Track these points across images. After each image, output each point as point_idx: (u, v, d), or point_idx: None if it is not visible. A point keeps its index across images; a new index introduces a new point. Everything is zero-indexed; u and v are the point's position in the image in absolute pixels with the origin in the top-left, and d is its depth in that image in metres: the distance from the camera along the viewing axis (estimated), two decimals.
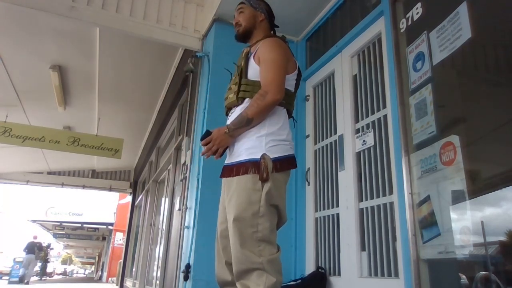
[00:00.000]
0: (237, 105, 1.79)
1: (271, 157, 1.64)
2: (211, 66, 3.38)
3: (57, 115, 6.44)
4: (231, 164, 1.75)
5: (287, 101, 1.79)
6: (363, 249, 2.56)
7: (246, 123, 1.68)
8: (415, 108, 2.15)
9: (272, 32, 2.01)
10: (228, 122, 1.80)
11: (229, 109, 1.86)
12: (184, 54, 4.41)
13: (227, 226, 1.71)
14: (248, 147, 1.68)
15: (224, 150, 1.78)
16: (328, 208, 3.00)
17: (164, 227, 4.93)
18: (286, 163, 1.69)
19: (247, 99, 1.75)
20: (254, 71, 1.78)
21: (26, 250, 12.91)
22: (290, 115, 1.85)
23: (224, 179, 1.80)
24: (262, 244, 1.57)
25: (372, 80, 2.76)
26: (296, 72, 1.85)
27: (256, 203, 1.60)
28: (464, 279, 1.82)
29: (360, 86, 2.88)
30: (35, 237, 13.79)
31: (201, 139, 1.81)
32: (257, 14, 1.95)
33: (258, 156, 1.64)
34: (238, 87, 1.79)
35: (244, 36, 1.95)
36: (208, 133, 1.78)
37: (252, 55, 1.82)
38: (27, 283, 12.64)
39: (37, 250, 13.36)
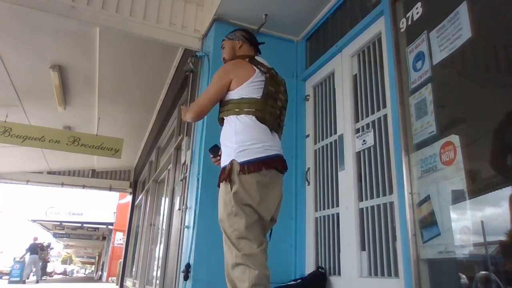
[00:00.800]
0: (222, 125, 2.05)
1: (238, 161, 1.82)
2: (211, 66, 3.39)
3: (57, 115, 6.44)
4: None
5: (252, 108, 1.93)
6: (363, 249, 2.56)
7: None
8: (415, 108, 2.15)
9: (257, 48, 2.27)
10: (221, 137, 2.02)
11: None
12: (184, 54, 4.40)
13: None
14: (224, 158, 1.92)
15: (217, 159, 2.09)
16: (328, 208, 3.00)
17: (164, 227, 4.93)
18: (256, 165, 1.83)
19: (225, 118, 1.99)
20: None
21: (29, 252, 13.12)
22: (263, 120, 1.93)
23: None
24: (242, 242, 1.75)
25: (372, 80, 2.76)
26: (253, 79, 1.96)
27: (228, 204, 1.80)
28: (464, 279, 1.82)
29: (360, 86, 2.88)
30: (35, 239, 13.95)
31: (210, 151, 2.13)
32: (235, 43, 2.21)
33: (228, 163, 1.86)
34: (219, 109, 2.07)
35: None
36: (216, 147, 2.09)
37: None
38: (37, 282, 12.96)
39: (39, 251, 13.62)
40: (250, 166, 1.81)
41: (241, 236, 1.75)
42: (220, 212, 1.85)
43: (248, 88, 1.95)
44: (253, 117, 1.91)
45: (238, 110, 1.93)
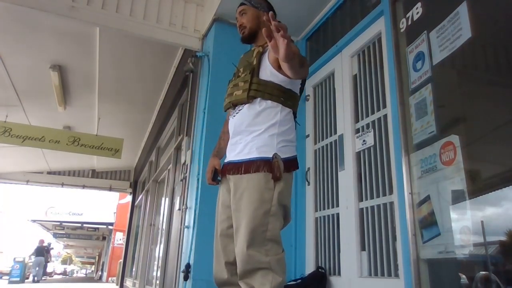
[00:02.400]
0: (246, 103, 1.75)
1: (281, 157, 1.65)
2: (211, 66, 3.38)
3: (57, 115, 6.44)
4: (238, 161, 1.71)
5: (294, 103, 1.80)
6: (363, 249, 2.56)
7: (298, 63, 1.54)
8: (415, 108, 2.15)
9: None
10: (232, 118, 1.81)
11: (235, 105, 1.81)
12: (184, 54, 4.40)
13: (229, 225, 1.72)
14: (259, 146, 1.67)
15: (214, 178, 1.87)
16: (328, 208, 3.00)
17: (164, 227, 4.93)
18: (293, 164, 1.72)
19: (258, 99, 1.73)
20: (266, 72, 1.76)
21: (35, 253, 13.82)
22: (295, 116, 1.86)
23: (229, 177, 1.75)
24: (269, 244, 1.58)
25: (372, 80, 2.76)
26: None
27: (268, 202, 1.61)
28: (464, 279, 1.82)
29: (360, 86, 2.88)
30: (41, 241, 14.56)
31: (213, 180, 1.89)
32: (260, 13, 1.89)
33: (270, 155, 1.64)
34: (249, 85, 1.75)
35: (250, 38, 1.91)
36: (216, 172, 1.87)
37: (266, 55, 1.79)
38: (38, 281, 13.48)
39: (45, 253, 14.41)
40: (291, 165, 1.70)
41: (272, 238, 1.59)
42: (252, 207, 1.60)
43: (296, 82, 1.80)
44: (292, 112, 1.79)
45: (283, 99, 1.74)
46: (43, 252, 14.04)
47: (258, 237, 1.57)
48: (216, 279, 1.77)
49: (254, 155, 1.67)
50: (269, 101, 1.72)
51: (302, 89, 1.89)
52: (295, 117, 1.85)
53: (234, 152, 1.76)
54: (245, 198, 1.64)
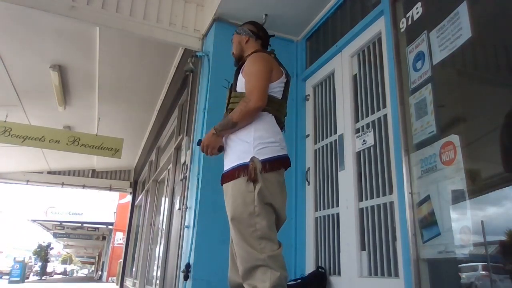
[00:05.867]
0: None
1: (260, 158, 1.76)
2: (211, 65, 3.38)
3: (57, 114, 6.44)
4: (226, 171, 1.88)
5: (273, 107, 1.90)
6: (363, 248, 2.56)
7: (232, 126, 1.83)
8: (415, 108, 2.16)
9: (266, 44, 2.19)
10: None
11: None
12: (184, 53, 4.41)
13: None
14: (238, 154, 1.82)
15: (220, 149, 1.93)
16: (328, 208, 3.00)
17: (164, 226, 4.93)
18: (276, 163, 1.81)
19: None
20: (241, 84, 1.93)
21: None
22: (279, 121, 1.94)
23: (223, 186, 1.91)
24: (262, 242, 1.68)
25: (372, 80, 2.76)
26: (281, 79, 1.96)
27: (251, 203, 1.72)
28: (464, 279, 1.82)
29: (360, 85, 2.88)
30: None
31: (198, 144, 2.01)
32: (241, 38, 2.15)
33: (247, 160, 1.76)
34: (228, 100, 1.98)
35: (238, 61, 2.13)
36: (200, 142, 1.98)
37: (241, 70, 1.97)
38: None
39: None
40: (272, 165, 1.77)
41: (263, 237, 1.68)
42: (237, 211, 1.73)
43: (276, 87, 1.92)
44: (272, 117, 1.89)
45: None
46: None
47: (250, 238, 1.69)
48: (230, 282, 1.87)
49: (235, 163, 1.81)
50: None
51: (285, 91, 1.99)
52: (279, 121, 1.94)
53: (225, 163, 1.92)
54: (231, 204, 1.78)
